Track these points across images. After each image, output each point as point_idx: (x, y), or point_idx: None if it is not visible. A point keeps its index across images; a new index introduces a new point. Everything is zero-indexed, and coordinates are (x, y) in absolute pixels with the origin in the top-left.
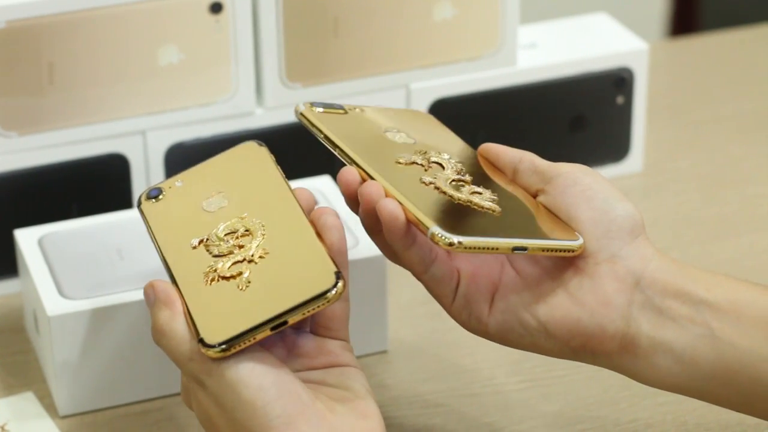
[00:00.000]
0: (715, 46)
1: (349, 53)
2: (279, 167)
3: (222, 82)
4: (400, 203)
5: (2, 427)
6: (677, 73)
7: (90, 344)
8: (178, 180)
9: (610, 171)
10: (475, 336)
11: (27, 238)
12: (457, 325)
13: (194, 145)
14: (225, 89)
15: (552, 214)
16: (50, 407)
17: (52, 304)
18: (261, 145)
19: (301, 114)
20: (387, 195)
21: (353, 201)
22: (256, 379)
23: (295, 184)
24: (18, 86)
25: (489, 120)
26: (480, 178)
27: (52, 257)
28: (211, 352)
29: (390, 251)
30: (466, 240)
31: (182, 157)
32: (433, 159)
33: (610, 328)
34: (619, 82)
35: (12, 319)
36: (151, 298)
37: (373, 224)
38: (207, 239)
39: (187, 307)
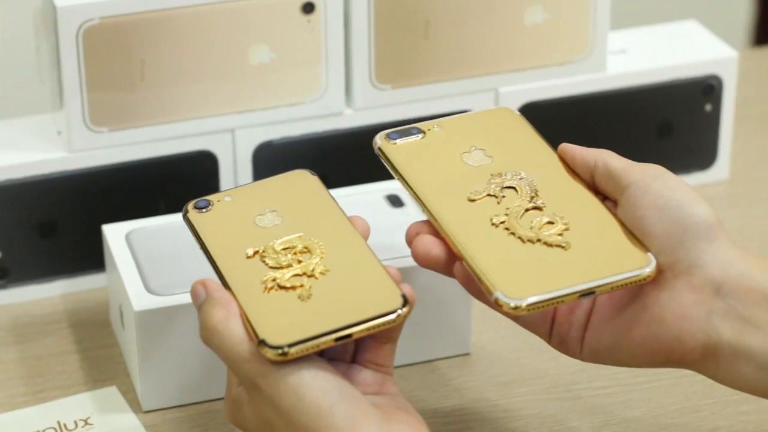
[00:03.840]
0: None
1: (439, 56)
2: (332, 195)
3: (312, 82)
4: (468, 263)
5: (86, 421)
6: (764, 81)
7: (174, 340)
8: (227, 195)
9: (696, 179)
10: None
11: (114, 233)
12: None
13: (283, 144)
14: (314, 89)
15: (626, 230)
16: (133, 402)
17: (138, 299)
18: (313, 174)
19: (380, 149)
20: (455, 250)
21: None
22: (319, 382)
23: (382, 186)
24: (109, 82)
25: (577, 125)
26: (556, 194)
27: (139, 253)
28: (271, 354)
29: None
30: (530, 301)
31: (270, 156)
32: (506, 184)
33: (689, 341)
34: (707, 89)
35: (97, 313)
36: (202, 296)
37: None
38: (263, 251)
39: (242, 310)
